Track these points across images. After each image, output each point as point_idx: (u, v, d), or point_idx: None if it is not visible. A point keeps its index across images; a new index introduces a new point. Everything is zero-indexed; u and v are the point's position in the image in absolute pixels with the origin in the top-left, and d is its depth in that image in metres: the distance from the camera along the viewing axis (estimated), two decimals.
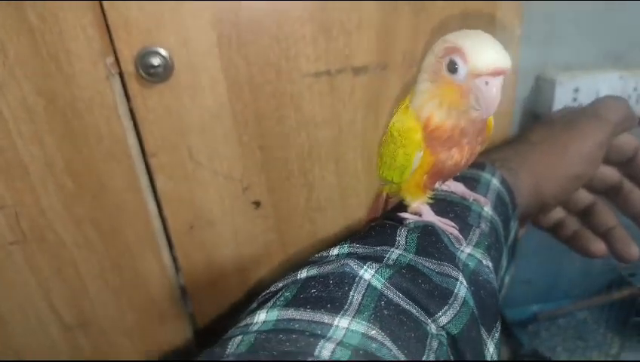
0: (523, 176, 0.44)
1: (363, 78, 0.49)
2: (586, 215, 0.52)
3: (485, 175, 0.42)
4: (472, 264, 0.34)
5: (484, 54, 0.28)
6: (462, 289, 0.32)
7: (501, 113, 0.55)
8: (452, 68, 0.29)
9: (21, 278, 0.52)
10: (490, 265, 0.35)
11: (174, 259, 0.56)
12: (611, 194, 0.51)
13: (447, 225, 0.36)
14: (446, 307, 0.30)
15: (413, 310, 0.29)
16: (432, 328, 0.29)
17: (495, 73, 0.28)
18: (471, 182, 0.41)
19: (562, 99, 0.70)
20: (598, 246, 0.50)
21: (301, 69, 0.48)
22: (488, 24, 0.50)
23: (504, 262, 0.40)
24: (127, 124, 0.47)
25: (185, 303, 0.59)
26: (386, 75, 0.50)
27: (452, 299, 0.31)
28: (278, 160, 0.52)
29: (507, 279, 0.44)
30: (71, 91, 0.44)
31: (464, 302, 0.31)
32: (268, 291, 0.33)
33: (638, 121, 0.48)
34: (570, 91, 0.69)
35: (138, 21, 0.43)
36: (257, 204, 0.54)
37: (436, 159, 0.33)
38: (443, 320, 0.30)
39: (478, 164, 0.42)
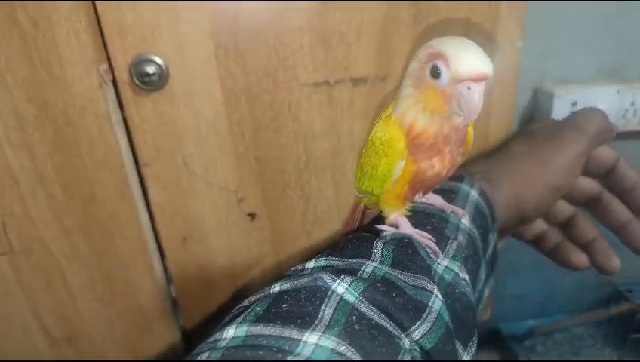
0: (502, 188, 0.44)
1: (362, 89, 0.49)
2: (567, 227, 0.52)
3: (464, 187, 0.42)
4: (448, 277, 0.34)
5: (467, 60, 0.28)
6: (437, 302, 0.31)
7: (499, 124, 0.55)
8: (435, 73, 0.29)
9: (7, 290, 0.50)
10: (467, 277, 0.35)
11: (166, 272, 0.54)
12: (591, 205, 0.51)
13: (424, 238, 0.36)
14: (420, 321, 0.30)
15: (387, 324, 0.29)
16: (406, 343, 0.29)
17: (477, 79, 0.28)
18: (449, 194, 0.41)
19: (560, 111, 0.70)
20: (580, 258, 0.50)
21: (299, 79, 0.47)
22: (489, 36, 0.49)
23: (482, 275, 0.40)
24: (120, 132, 0.46)
25: (176, 317, 0.57)
26: (386, 87, 0.49)
27: (426, 312, 0.30)
28: (274, 171, 0.51)
29: (486, 292, 0.44)
30: (63, 99, 0.43)
31: (439, 316, 0.31)
32: (241, 305, 0.32)
33: (616, 134, 0.49)
34: (568, 104, 0.69)
35: (133, 28, 0.42)
36: (253, 215, 0.52)
37: (418, 168, 0.33)
38: (416, 334, 0.29)
39: (456, 176, 0.42)
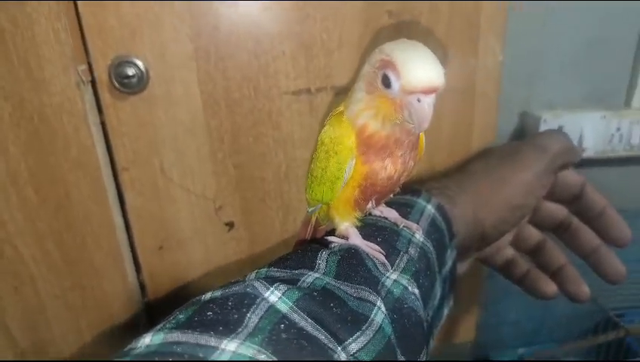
0: (461, 205, 0.43)
1: (343, 97, 0.48)
2: (535, 254, 0.51)
3: (420, 201, 0.41)
4: (397, 291, 0.33)
5: (416, 71, 0.28)
6: (379, 315, 0.30)
7: (481, 142, 0.55)
8: (386, 82, 0.29)
9: None
10: (416, 292, 0.34)
11: (140, 281, 0.53)
12: (560, 231, 0.50)
13: (372, 250, 0.34)
14: (358, 333, 0.28)
15: (321, 335, 0.27)
16: (342, 355, 0.27)
17: (427, 91, 0.28)
18: (404, 208, 0.40)
19: None
20: (549, 287, 0.49)
21: (280, 87, 0.47)
22: (471, 49, 0.49)
23: (437, 292, 0.39)
24: (97, 134, 0.46)
25: (150, 329, 0.55)
26: None
27: (366, 325, 0.29)
28: (253, 179, 0.50)
29: (446, 311, 0.42)
30: (39, 97, 0.43)
31: (379, 329, 0.29)
32: (169, 315, 0.30)
33: (580, 156, 0.49)
34: (554, 128, 0.70)
35: (114, 29, 0.42)
36: (230, 225, 0.51)
37: (369, 170, 0.32)
38: (353, 347, 0.28)
39: (413, 191, 0.42)
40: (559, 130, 0.49)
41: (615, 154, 0.73)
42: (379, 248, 0.34)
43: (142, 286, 0.53)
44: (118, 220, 0.49)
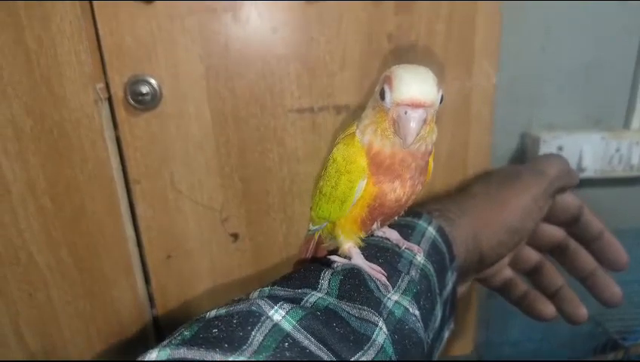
0: (461, 227, 0.44)
1: (344, 116, 0.51)
2: (533, 275, 0.52)
3: (421, 223, 0.41)
4: (398, 312, 0.33)
5: (407, 85, 0.29)
6: (381, 335, 0.31)
7: (478, 162, 0.56)
8: (382, 95, 0.30)
9: None
10: (417, 313, 0.34)
11: (148, 289, 0.55)
12: (557, 253, 0.51)
13: (374, 271, 0.35)
14: (360, 353, 0.29)
15: (324, 355, 0.28)
16: None
17: (414, 104, 0.29)
18: (406, 230, 0.40)
19: None
20: (548, 308, 0.49)
21: (285, 105, 0.50)
22: (466, 71, 0.52)
23: (438, 314, 0.39)
24: (112, 148, 0.48)
25: (157, 338, 0.57)
26: None
27: (368, 344, 0.30)
28: (258, 193, 0.52)
29: (447, 333, 0.43)
30: (59, 112, 0.46)
31: (381, 349, 0.30)
32: (175, 331, 0.31)
33: (578, 180, 0.49)
34: (554, 149, 0.71)
35: (131, 50, 0.45)
36: (236, 236, 0.53)
37: (379, 190, 0.33)
38: None
39: (414, 213, 0.42)
40: (558, 154, 0.50)
41: (615, 174, 0.74)
42: (380, 269, 0.35)
43: (150, 295, 0.55)
44: (129, 230, 0.52)
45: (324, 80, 0.49)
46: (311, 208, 0.39)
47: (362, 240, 0.36)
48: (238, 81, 0.48)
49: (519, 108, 0.71)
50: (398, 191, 0.33)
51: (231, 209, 0.52)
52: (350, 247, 0.36)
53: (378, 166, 0.32)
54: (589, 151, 0.72)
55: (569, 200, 0.48)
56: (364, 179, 0.33)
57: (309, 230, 0.41)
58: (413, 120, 0.29)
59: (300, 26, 0.47)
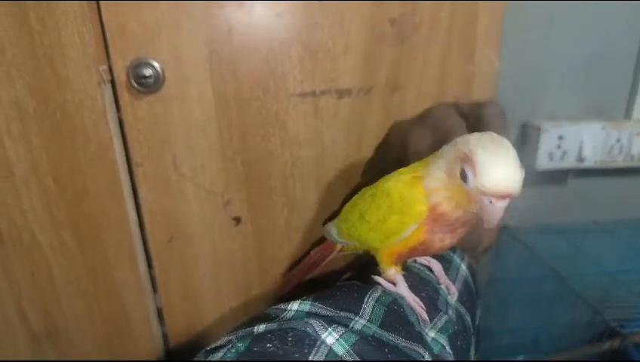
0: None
1: (347, 100, 0.51)
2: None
3: (455, 258, 0.42)
4: (436, 348, 0.34)
5: (493, 175, 0.28)
6: None
7: None
8: (464, 177, 0.29)
9: None
10: (451, 352, 0.35)
11: (150, 271, 0.55)
12: None
13: (417, 304, 0.35)
14: None
15: None
16: None
17: (500, 196, 0.28)
18: (443, 263, 0.41)
19: (547, 145, 0.72)
20: None
21: (287, 89, 0.50)
22: (468, 56, 0.52)
23: (472, 354, 0.40)
24: (115, 130, 0.49)
25: (158, 320, 0.58)
26: (369, 99, 0.51)
27: None
28: (260, 176, 0.53)
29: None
30: (62, 94, 0.46)
31: None
32: (217, 343, 0.31)
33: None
34: (554, 138, 0.72)
35: (134, 32, 0.45)
36: (237, 219, 0.54)
37: (428, 239, 0.33)
38: None
39: None
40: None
41: (615, 164, 0.74)
42: (422, 304, 0.35)
43: (152, 277, 0.56)
44: (131, 212, 0.52)
45: (326, 64, 0.49)
46: (340, 219, 0.39)
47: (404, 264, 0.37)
48: (241, 65, 0.48)
49: (521, 97, 0.71)
50: (446, 241, 0.34)
51: (233, 192, 0.53)
52: (395, 274, 0.36)
53: (436, 220, 0.32)
54: (589, 141, 0.72)
55: None
56: (416, 224, 0.33)
57: (334, 238, 0.41)
58: (499, 209, 0.28)
59: (303, 11, 0.47)
